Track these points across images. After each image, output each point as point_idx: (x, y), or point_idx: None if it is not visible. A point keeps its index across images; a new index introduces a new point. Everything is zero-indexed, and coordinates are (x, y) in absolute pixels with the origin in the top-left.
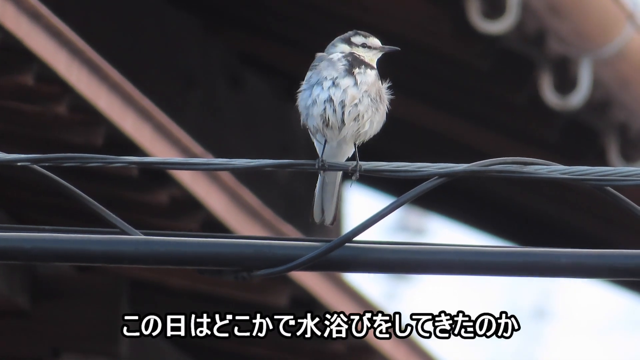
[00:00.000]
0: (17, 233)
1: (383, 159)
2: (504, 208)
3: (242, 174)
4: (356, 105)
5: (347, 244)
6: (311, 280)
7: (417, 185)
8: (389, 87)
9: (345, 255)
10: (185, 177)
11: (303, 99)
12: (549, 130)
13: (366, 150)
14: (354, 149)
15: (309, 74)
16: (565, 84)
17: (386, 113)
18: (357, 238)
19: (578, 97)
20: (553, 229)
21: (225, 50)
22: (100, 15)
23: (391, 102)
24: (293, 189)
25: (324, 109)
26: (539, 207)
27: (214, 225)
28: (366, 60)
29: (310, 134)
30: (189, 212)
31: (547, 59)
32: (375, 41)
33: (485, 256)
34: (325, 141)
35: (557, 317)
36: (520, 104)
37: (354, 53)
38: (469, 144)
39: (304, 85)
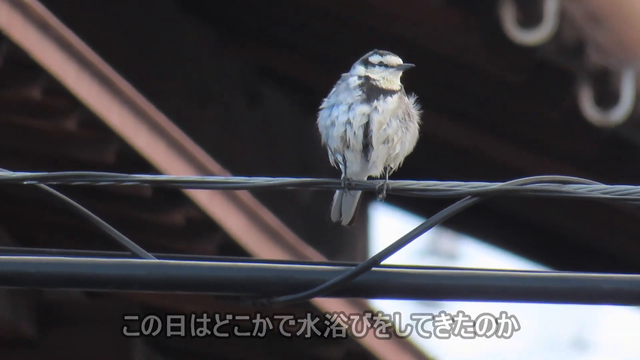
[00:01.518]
0: (22, 256)
1: (411, 177)
2: (541, 230)
3: (261, 193)
4: (385, 129)
5: (373, 268)
6: (335, 307)
7: (448, 205)
8: (415, 101)
9: (371, 280)
10: (202, 197)
11: (323, 118)
12: (589, 147)
13: None
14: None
15: (331, 91)
16: (606, 97)
17: (418, 130)
18: (384, 262)
19: (620, 111)
20: (593, 253)
21: (242, 63)
22: (112, 27)
23: (421, 117)
24: (315, 209)
25: (345, 131)
26: (577, 229)
27: (232, 248)
28: (382, 84)
29: (330, 154)
30: (206, 234)
31: (587, 71)
32: (392, 59)
33: (521, 281)
34: (346, 162)
35: (597, 346)
36: (558, 119)
37: (369, 77)
38: (503, 161)
39: (324, 103)
